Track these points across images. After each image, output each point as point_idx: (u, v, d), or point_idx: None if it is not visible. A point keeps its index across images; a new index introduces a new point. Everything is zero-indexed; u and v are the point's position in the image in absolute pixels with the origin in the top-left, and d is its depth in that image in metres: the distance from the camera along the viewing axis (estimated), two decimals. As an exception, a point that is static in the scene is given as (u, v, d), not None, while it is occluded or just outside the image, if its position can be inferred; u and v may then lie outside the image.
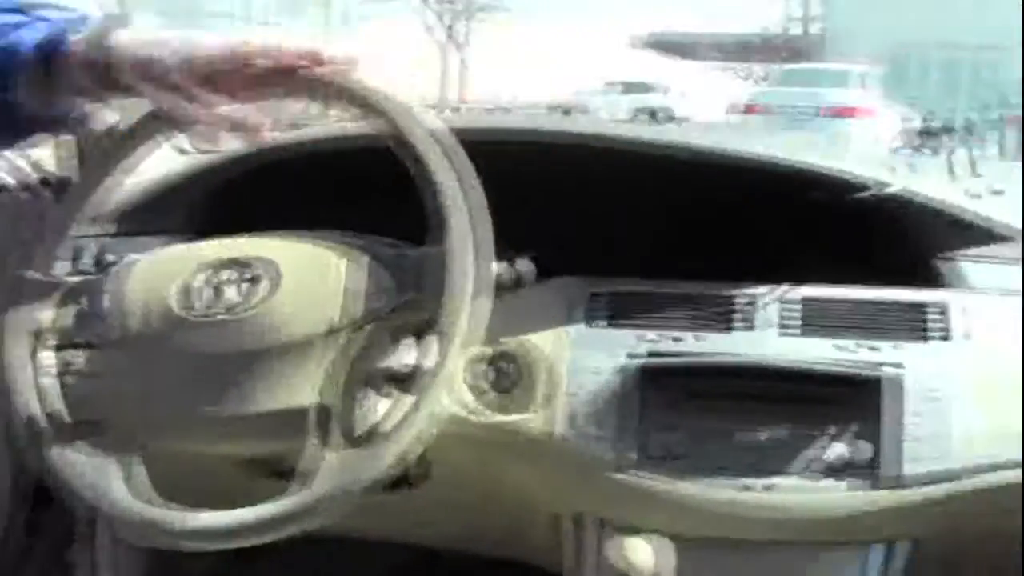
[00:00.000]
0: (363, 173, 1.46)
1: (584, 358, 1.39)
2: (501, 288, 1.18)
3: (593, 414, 1.36)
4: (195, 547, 1.10)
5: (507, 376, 1.40)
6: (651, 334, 1.40)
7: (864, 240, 1.53)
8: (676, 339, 1.40)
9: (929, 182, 1.55)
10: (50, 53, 1.08)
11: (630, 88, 28.80)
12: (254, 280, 1.14)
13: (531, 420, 1.37)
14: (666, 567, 1.33)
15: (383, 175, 1.19)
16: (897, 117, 16.18)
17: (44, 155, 1.60)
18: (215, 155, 1.60)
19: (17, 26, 1.10)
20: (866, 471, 1.32)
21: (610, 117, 26.03)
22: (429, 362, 1.06)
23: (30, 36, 1.09)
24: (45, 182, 1.64)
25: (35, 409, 1.14)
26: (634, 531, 1.35)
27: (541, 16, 32.77)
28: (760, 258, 1.51)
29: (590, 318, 1.43)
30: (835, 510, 1.32)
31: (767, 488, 1.32)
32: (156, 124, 1.17)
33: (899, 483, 1.31)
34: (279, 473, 1.29)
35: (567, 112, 28.67)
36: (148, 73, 1.08)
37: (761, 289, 1.44)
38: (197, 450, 1.22)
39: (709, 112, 22.02)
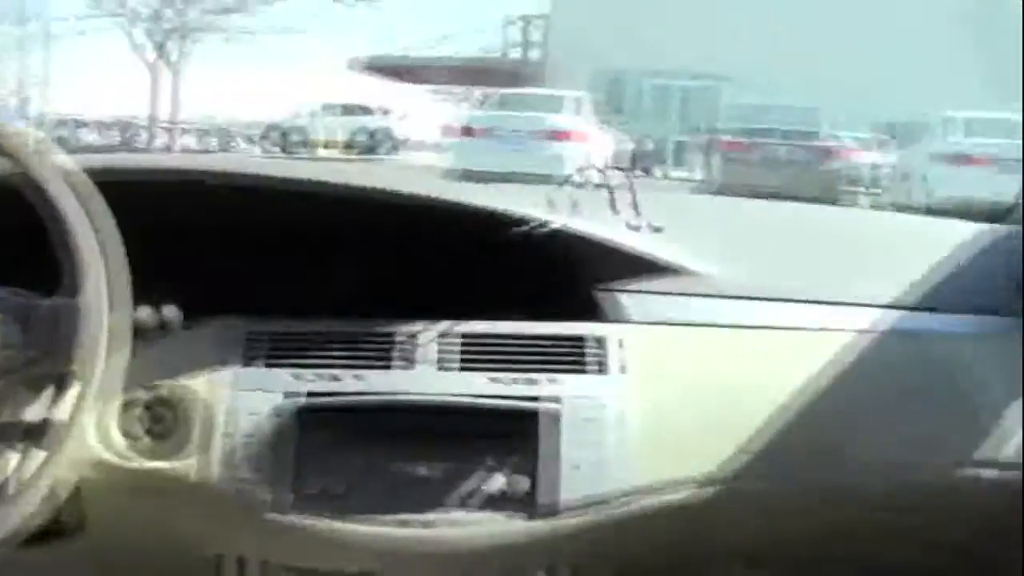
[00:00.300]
0: None
1: (241, 399, 1.38)
2: (145, 334, 1.21)
3: (251, 456, 1.35)
4: None
5: (163, 421, 1.38)
6: (310, 374, 1.40)
7: (526, 276, 1.54)
8: (335, 378, 1.40)
9: (590, 217, 1.58)
10: None
11: (348, 110, 28.87)
12: None
13: (188, 465, 1.36)
14: None
15: (11, 218, 1.17)
16: (611, 141, 16.60)
17: None
18: None
19: None
20: (523, 502, 1.36)
21: (328, 138, 26.05)
22: (61, 414, 1.06)
23: None
24: None
25: None
26: (290, 572, 1.38)
27: (261, 38, 32.18)
28: (421, 295, 1.53)
29: (248, 359, 1.42)
30: (494, 542, 1.35)
31: (426, 524, 1.34)
32: None
33: (555, 511, 1.36)
34: None
35: (284, 134, 28.52)
36: None
37: (420, 326, 1.46)
38: None
39: (427, 134, 22.19)
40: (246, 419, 1.37)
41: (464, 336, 1.46)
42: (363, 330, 1.46)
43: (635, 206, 1.67)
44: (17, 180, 1.11)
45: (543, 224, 1.50)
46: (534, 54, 32.10)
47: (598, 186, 1.74)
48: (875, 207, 14.53)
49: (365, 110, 29.33)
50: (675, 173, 21.42)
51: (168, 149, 24.91)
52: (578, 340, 1.47)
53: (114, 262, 1.11)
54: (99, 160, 1.33)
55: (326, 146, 26.80)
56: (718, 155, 15.77)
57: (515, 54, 33.08)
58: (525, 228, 1.49)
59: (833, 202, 13.51)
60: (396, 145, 27.88)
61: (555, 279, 1.54)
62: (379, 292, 1.55)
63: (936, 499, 1.58)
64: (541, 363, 1.44)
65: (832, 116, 16.64)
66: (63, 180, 1.11)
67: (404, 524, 1.34)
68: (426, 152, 21.91)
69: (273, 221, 1.55)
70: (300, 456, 1.36)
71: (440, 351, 1.44)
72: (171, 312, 1.29)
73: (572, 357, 1.45)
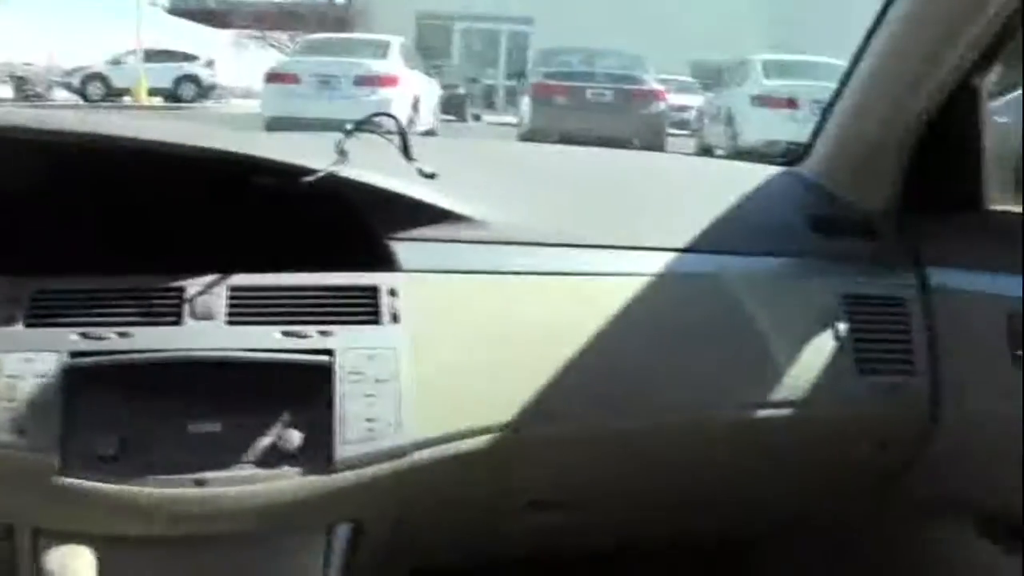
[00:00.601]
0: None
1: (6, 362, 1.32)
2: None
3: (18, 419, 1.29)
4: None
5: None
6: (79, 332, 1.35)
7: (301, 226, 1.53)
8: (101, 337, 1.35)
9: (362, 166, 1.53)
10: None
11: (159, 56, 28.10)
12: None
13: None
14: (102, 571, 1.28)
15: None
16: (425, 86, 16.49)
17: None
18: None
19: None
20: (299, 458, 1.33)
21: (156, 85, 25.35)
22: None
23: None
24: None
25: None
26: (71, 537, 1.29)
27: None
28: (192, 248, 1.47)
29: (8, 319, 1.36)
30: (263, 499, 1.32)
31: (198, 483, 1.30)
32: None
33: (332, 467, 1.33)
34: None
35: (104, 81, 27.64)
36: None
37: (187, 280, 1.41)
38: None
39: (239, 80, 21.78)
40: (8, 382, 1.31)
41: (234, 289, 1.42)
42: (132, 286, 1.41)
43: (405, 151, 1.64)
44: None
45: (311, 172, 1.46)
46: None
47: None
48: (692, 150, 14.80)
49: (172, 55, 28.69)
50: (489, 118, 21.42)
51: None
52: (350, 290, 1.45)
53: None
54: None
55: (143, 93, 26.12)
56: (526, 98, 15.75)
57: (325, -1, 32.56)
58: (295, 177, 1.45)
59: (649, 145, 13.73)
60: (206, 92, 27.37)
61: (330, 229, 1.52)
62: (151, 246, 1.51)
63: (729, 441, 1.61)
64: (314, 315, 1.42)
65: (654, 60, 16.79)
66: None
67: (170, 484, 1.30)
68: (245, 100, 21.54)
69: (53, 175, 1.51)
70: (67, 419, 1.30)
71: (208, 305, 1.40)
72: None
73: (345, 308, 1.43)
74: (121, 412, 1.31)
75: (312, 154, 1.49)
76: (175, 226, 1.55)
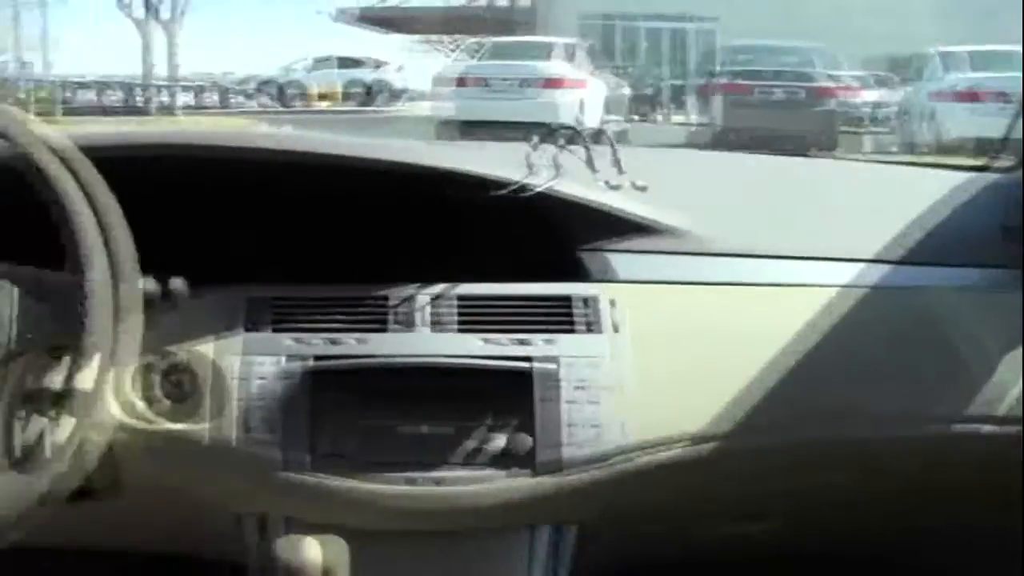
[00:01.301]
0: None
1: (250, 364, 1.43)
2: (153, 304, 1.22)
3: (263, 418, 1.40)
4: None
5: (179, 386, 1.43)
6: (313, 338, 1.45)
7: (515, 238, 1.57)
8: (335, 341, 1.44)
9: (573, 178, 1.58)
10: None
11: (342, 63, 28.72)
12: None
13: (205, 428, 1.42)
14: (339, 563, 1.34)
15: (16, 196, 1.20)
16: (605, 87, 16.49)
17: None
18: None
19: None
20: (526, 459, 1.40)
21: (327, 91, 25.96)
22: (83, 383, 1.11)
23: None
24: None
25: None
26: (311, 528, 1.36)
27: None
28: (414, 259, 1.57)
29: (252, 325, 1.47)
30: (498, 498, 1.40)
31: (432, 481, 1.39)
32: None
33: (558, 468, 1.40)
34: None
35: (280, 88, 28.47)
36: None
37: (415, 289, 1.50)
38: None
39: (420, 84, 22.11)
40: (256, 383, 1.42)
41: (459, 298, 1.49)
42: (361, 294, 1.50)
43: (617, 164, 1.67)
44: (14, 160, 1.15)
45: (527, 187, 1.51)
46: (523, 1, 31.84)
47: (580, 143, 1.72)
48: (880, 148, 14.42)
49: (357, 62, 29.28)
50: (674, 118, 21.26)
51: (167, 107, 24.81)
52: (569, 300, 1.50)
53: (117, 236, 1.16)
54: (95, 134, 1.38)
55: (322, 98, 26.75)
56: (717, 98, 15.61)
57: (503, 1, 32.80)
58: (511, 191, 1.51)
59: (834, 143, 13.43)
60: (392, 96, 27.82)
61: (543, 241, 1.57)
62: (374, 257, 1.58)
63: (931, 454, 1.58)
64: (535, 323, 1.47)
65: (829, 56, 16.44)
66: (59, 160, 1.15)
67: (411, 482, 1.39)
68: (421, 102, 21.85)
69: (269, 190, 1.59)
70: (310, 417, 1.41)
71: (437, 313, 1.48)
72: (176, 283, 1.31)
73: (565, 317, 1.48)
74: (357, 413, 1.41)
75: (511, 165, 1.55)
76: (382, 238, 1.62)
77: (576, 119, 13.93)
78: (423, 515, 1.41)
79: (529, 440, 1.40)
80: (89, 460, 1.17)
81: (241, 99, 28.55)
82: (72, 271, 1.14)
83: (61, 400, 1.14)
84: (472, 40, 18.55)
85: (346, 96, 27.73)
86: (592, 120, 14.86)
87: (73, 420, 1.12)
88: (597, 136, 1.74)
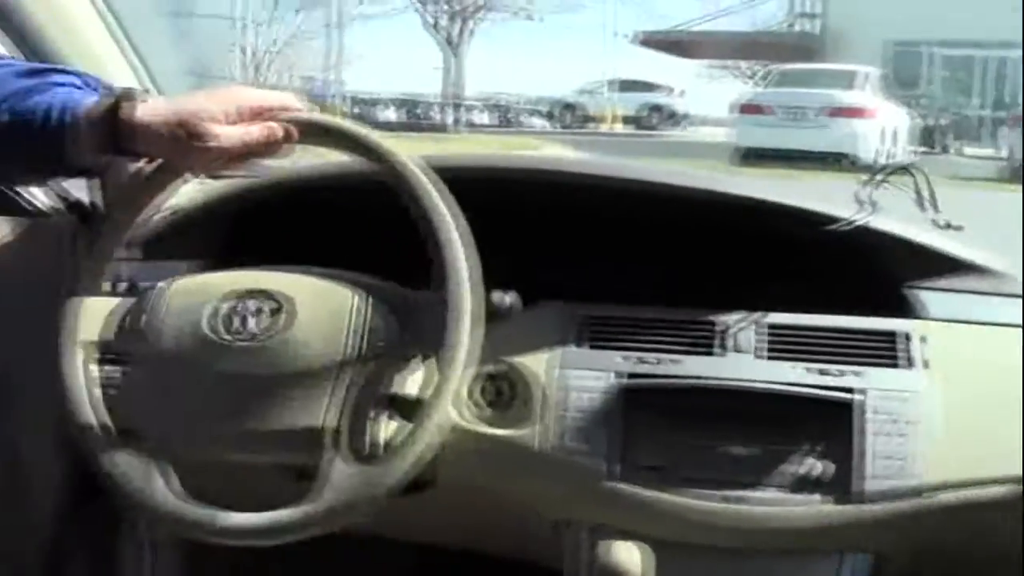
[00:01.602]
0: (356, 207, 1.59)
1: (571, 377, 1.50)
2: (492, 317, 1.29)
3: (581, 429, 1.46)
4: (223, 543, 1.24)
5: (503, 394, 1.52)
6: (632, 356, 1.51)
7: (832, 270, 1.60)
8: (655, 361, 1.50)
9: (890, 214, 1.61)
10: (64, 121, 1.22)
11: (630, 86, 28.91)
12: (275, 311, 1.28)
13: (525, 434, 1.49)
14: (649, 571, 1.45)
15: (371, 210, 1.35)
16: (902, 117, 16.11)
17: (69, 184, 1.77)
18: (228, 184, 1.75)
19: (30, 91, 1.23)
20: (832, 486, 1.42)
21: (613, 113, 26.23)
22: (433, 391, 1.21)
23: (51, 101, 1.23)
24: (72, 207, 1.82)
25: (88, 417, 1.29)
26: (619, 536, 1.47)
27: (540, 14, 32.63)
28: (727, 286, 1.61)
29: (576, 340, 1.54)
30: (803, 522, 1.42)
31: (742, 500, 1.42)
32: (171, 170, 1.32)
33: (862, 498, 1.41)
34: (304, 476, 1.43)
35: (571, 109, 28.94)
36: (151, 140, 1.23)
37: (732, 315, 1.54)
38: (222, 460, 1.34)
39: (709, 109, 22.02)
40: (574, 395, 1.48)
41: (773, 327, 1.53)
42: (676, 317, 1.54)
43: (933, 203, 1.67)
44: (385, 177, 1.25)
45: (848, 222, 1.54)
46: (813, 27, 31.33)
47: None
48: None
49: (647, 85, 29.45)
50: (971, 150, 20.47)
51: (459, 124, 25.59)
52: (884, 335, 1.51)
53: (471, 253, 1.23)
54: (438, 158, 1.43)
55: (612, 121, 27.00)
56: (1017, 131, 14.94)
57: (793, 27, 32.37)
58: (831, 226, 1.54)
59: None
60: (678, 121, 27.83)
61: (857, 275, 1.58)
62: (688, 282, 1.63)
63: None
64: (848, 355, 1.48)
65: None
66: (425, 177, 1.24)
67: (725, 499, 1.42)
68: (709, 128, 21.76)
69: (595, 215, 1.67)
70: (624, 431, 1.46)
71: (748, 339, 1.51)
72: (513, 297, 1.37)
73: (878, 351, 1.49)
74: (666, 430, 1.46)
75: (830, 200, 1.59)
76: (698, 264, 1.69)
77: (878, 151, 13.67)
78: (731, 532, 1.44)
79: (837, 468, 1.42)
80: (425, 459, 1.23)
81: (533, 119, 29.11)
82: (435, 284, 1.22)
83: (411, 404, 1.23)
84: (775, 67, 18.29)
85: (634, 120, 27.91)
86: (897, 152, 14.50)
87: (423, 422, 1.20)
88: (907, 170, 1.71)
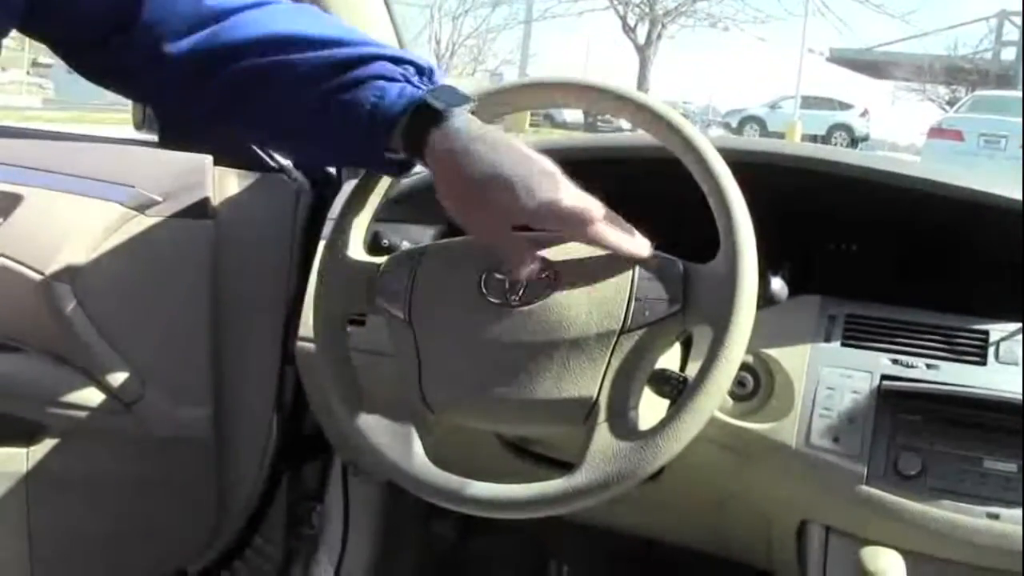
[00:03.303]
0: (629, 181, 1.50)
1: (817, 373, 1.44)
2: (763, 303, 1.22)
3: (828, 428, 1.40)
4: (470, 512, 1.17)
5: (745, 384, 1.46)
6: (881, 356, 1.44)
7: None
8: (904, 363, 1.43)
9: None
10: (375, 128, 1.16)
11: (818, 103, 28.47)
12: (549, 278, 1.20)
13: (769, 428, 1.42)
14: None
15: (665, 189, 1.29)
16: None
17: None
18: None
19: (345, 87, 1.16)
20: None
21: (809, 132, 25.84)
22: (708, 371, 1.12)
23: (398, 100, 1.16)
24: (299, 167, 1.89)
25: (342, 380, 1.26)
26: (871, 543, 1.39)
27: (729, 23, 32.48)
28: (989, 292, 1.52)
29: (829, 336, 1.48)
30: None
31: (991, 516, 1.34)
32: None
33: None
34: (539, 457, 1.44)
35: (755, 120, 28.57)
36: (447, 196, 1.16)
37: (1003, 325, 1.46)
38: (485, 428, 1.33)
39: (900, 134, 21.52)
40: (823, 392, 1.42)
41: None
42: (932, 321, 1.47)
43: None
44: (682, 155, 1.21)
45: None
46: (1008, 53, 30.50)
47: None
48: None
49: (836, 104, 28.99)
50: None
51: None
52: None
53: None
54: (716, 140, 1.34)
55: (795, 137, 26.65)
56: None
57: (987, 53, 31.56)
58: None
59: None
60: (872, 145, 27.18)
61: None
62: (950, 288, 1.56)
63: None
64: None
65: None
66: (721, 158, 1.19)
67: (972, 513, 1.35)
68: (896, 152, 21.23)
69: (858, 211, 1.62)
70: (885, 435, 1.39)
71: (1008, 351, 1.43)
72: (778, 284, 1.33)
73: None
74: (922, 437, 1.39)
75: None
76: (971, 268, 1.61)
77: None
78: (993, 551, 1.35)
79: None
80: (689, 440, 1.13)
81: (711, 130, 28.95)
82: (721, 260, 1.16)
83: (680, 382, 1.18)
84: (983, 93, 17.71)
85: (812, 138, 27.49)
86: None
87: (697, 401, 1.12)
88: None
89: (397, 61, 1.17)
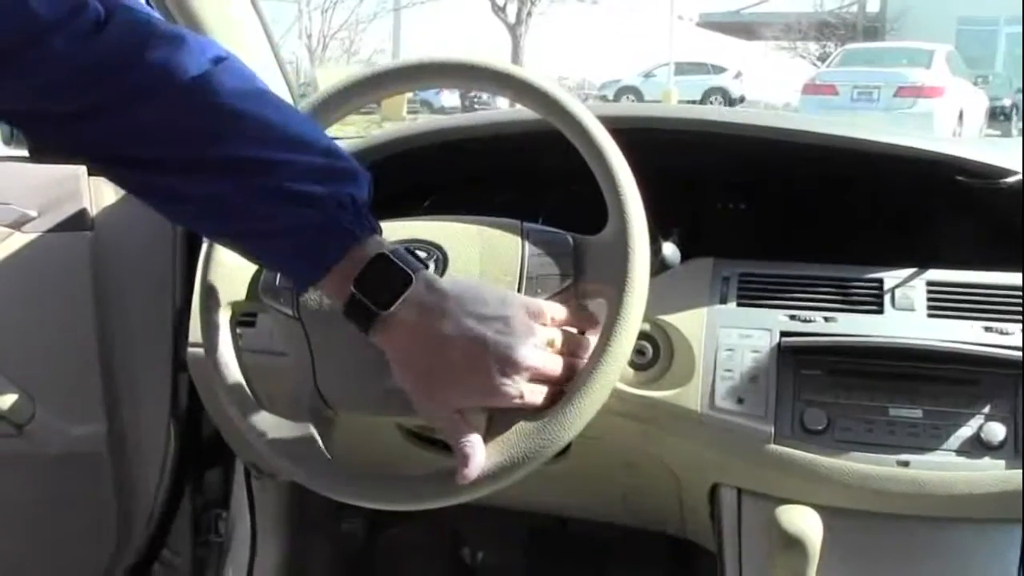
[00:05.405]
0: (512, 157, 1.55)
1: (720, 336, 1.43)
2: (656, 270, 1.23)
3: (730, 390, 1.40)
4: (377, 507, 1.13)
5: (644, 353, 1.44)
6: (778, 313, 1.44)
7: (986, 225, 1.53)
8: (801, 319, 1.43)
9: None
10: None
11: (692, 69, 28.78)
12: (439, 261, 1.20)
13: (672, 395, 1.41)
14: (816, 536, 1.35)
15: (545, 163, 1.31)
16: (966, 96, 15.91)
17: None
18: (384, 133, 1.70)
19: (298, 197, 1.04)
20: (999, 450, 1.33)
21: (683, 98, 26.15)
22: (606, 342, 1.09)
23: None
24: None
25: (235, 380, 1.22)
26: (784, 502, 1.38)
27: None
28: (878, 242, 1.55)
29: (719, 298, 1.47)
30: (969, 487, 1.33)
31: (901, 463, 1.34)
32: None
33: None
34: (443, 444, 1.38)
35: (632, 91, 28.86)
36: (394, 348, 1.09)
37: (882, 272, 1.47)
38: (384, 418, 1.32)
39: (775, 93, 21.86)
40: (723, 354, 1.41)
41: (931, 284, 1.44)
42: (826, 274, 1.47)
43: None
44: (564, 129, 1.18)
45: (1012, 173, 1.46)
46: (872, 5, 31.04)
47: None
48: None
49: (709, 67, 29.34)
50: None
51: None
52: None
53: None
54: (596, 108, 1.33)
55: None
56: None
57: (853, 7, 32.08)
58: (1010, 177, 1.47)
59: None
60: (728, 103, 27.63)
61: (1006, 231, 1.50)
62: (836, 237, 1.58)
63: None
64: (1012, 314, 1.39)
65: None
66: (605, 129, 1.18)
67: (881, 462, 1.34)
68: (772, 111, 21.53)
69: (743, 169, 1.63)
70: (788, 392, 1.38)
71: (907, 297, 1.44)
72: (670, 250, 1.35)
73: None
74: (825, 391, 1.38)
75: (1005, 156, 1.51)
76: (845, 218, 1.62)
77: (954, 131, 13.47)
78: (904, 498, 1.35)
79: (1003, 431, 1.33)
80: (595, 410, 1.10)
81: (589, 103, 29.05)
82: (609, 229, 1.14)
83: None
84: (852, 46, 18.01)
85: (688, 104, 27.81)
86: (946, 129, 14.18)
87: (601, 367, 1.08)
88: None
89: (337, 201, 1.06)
